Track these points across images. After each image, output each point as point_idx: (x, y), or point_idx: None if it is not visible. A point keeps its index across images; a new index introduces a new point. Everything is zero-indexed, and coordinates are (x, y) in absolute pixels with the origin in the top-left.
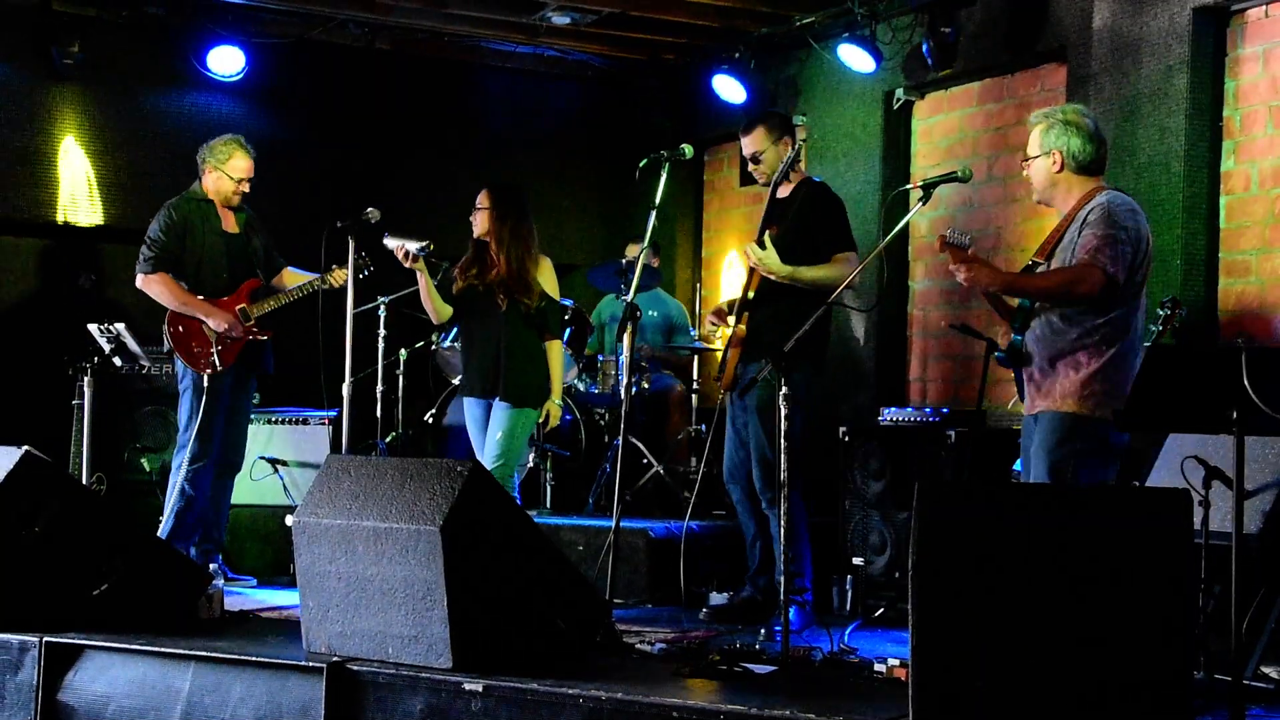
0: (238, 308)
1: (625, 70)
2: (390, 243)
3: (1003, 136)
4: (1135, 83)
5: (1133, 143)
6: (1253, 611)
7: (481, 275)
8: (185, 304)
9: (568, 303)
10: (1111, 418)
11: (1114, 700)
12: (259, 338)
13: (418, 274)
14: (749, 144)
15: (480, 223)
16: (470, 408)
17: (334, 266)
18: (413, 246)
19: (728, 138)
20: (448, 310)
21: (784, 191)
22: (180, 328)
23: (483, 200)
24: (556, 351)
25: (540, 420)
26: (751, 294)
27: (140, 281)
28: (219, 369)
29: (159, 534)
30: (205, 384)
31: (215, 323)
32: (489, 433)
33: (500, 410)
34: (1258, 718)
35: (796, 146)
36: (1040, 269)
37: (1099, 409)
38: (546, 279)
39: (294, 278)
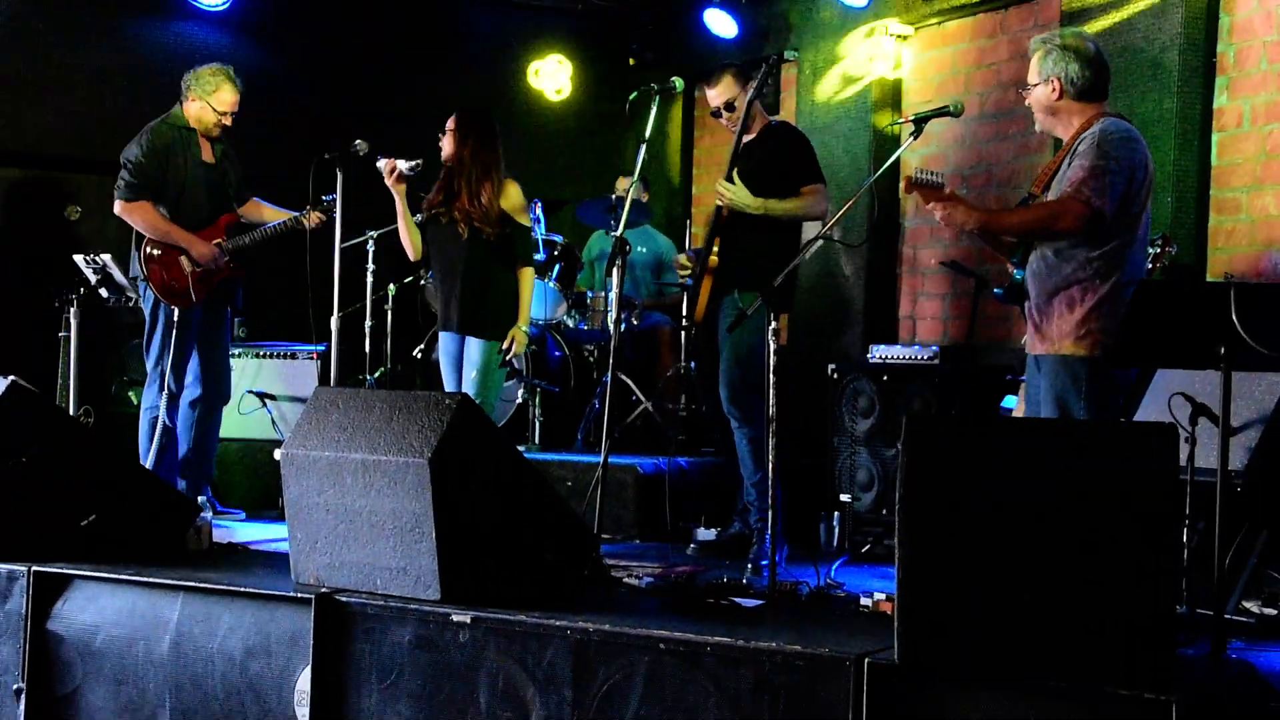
0: (215, 241)
1: (616, 2)
2: (381, 161)
3: (995, 72)
4: (1129, 18)
5: (1125, 79)
6: (1235, 548)
7: (447, 204)
8: (168, 233)
9: (557, 238)
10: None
11: (1098, 634)
12: (234, 273)
13: (395, 201)
14: (719, 94)
15: (446, 146)
16: (443, 341)
17: (308, 208)
18: (403, 165)
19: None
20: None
21: (750, 136)
22: (157, 256)
23: (450, 124)
24: (527, 279)
25: (504, 347)
26: (723, 225)
27: (120, 208)
28: (192, 302)
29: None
30: (176, 318)
31: (197, 253)
32: (465, 370)
33: (472, 346)
34: (1239, 651)
35: (763, 73)
36: (1038, 200)
37: (1096, 348)
38: (512, 205)
39: (261, 209)
